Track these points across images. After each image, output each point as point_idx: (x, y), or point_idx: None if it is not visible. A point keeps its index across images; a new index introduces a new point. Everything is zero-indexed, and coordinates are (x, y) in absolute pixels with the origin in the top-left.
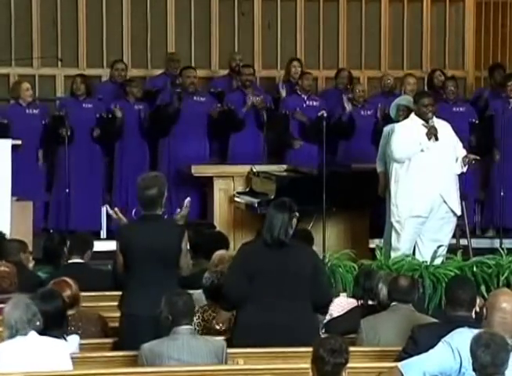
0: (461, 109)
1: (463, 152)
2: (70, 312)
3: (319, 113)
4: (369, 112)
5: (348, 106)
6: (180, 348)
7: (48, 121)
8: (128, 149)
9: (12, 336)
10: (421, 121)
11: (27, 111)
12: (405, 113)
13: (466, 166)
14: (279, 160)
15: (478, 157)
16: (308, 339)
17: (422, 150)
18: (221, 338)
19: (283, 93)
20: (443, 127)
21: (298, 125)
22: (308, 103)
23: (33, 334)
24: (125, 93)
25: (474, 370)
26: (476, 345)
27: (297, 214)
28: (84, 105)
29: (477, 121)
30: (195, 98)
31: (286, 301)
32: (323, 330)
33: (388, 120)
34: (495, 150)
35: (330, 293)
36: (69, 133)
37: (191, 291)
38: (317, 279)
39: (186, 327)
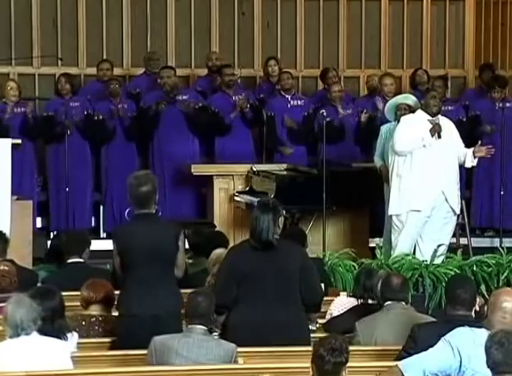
0: (450, 107)
1: (466, 150)
2: (98, 313)
3: (320, 112)
4: (348, 111)
5: (380, 106)
6: (190, 347)
7: (38, 120)
8: (115, 149)
9: (16, 335)
10: (427, 117)
11: (15, 110)
12: (406, 111)
13: (476, 159)
14: (268, 159)
15: (491, 146)
16: (297, 339)
17: (424, 146)
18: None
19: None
20: (448, 126)
21: (286, 129)
22: (292, 102)
23: (35, 333)
24: (109, 93)
25: (488, 367)
26: (490, 342)
27: (284, 212)
28: (71, 104)
29: (464, 119)
30: (178, 97)
31: (275, 301)
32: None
33: (373, 122)
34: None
35: (320, 292)
36: (68, 131)
37: None
38: (306, 279)
39: (200, 326)
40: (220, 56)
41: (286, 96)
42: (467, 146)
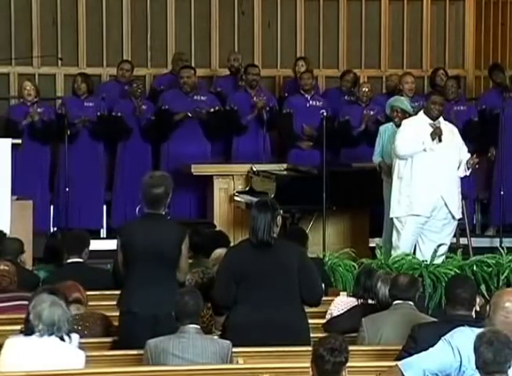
0: (462, 108)
1: (468, 156)
2: (76, 312)
3: (320, 113)
4: (371, 112)
5: (363, 126)
6: (185, 347)
7: (50, 119)
8: (131, 148)
9: (48, 334)
10: (429, 121)
11: (31, 110)
12: (399, 114)
13: (470, 169)
14: (282, 159)
15: (477, 160)
16: (297, 338)
17: (424, 150)
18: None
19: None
20: (450, 130)
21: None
22: (311, 102)
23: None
24: (130, 93)
25: (476, 367)
26: (479, 341)
27: (281, 211)
28: (85, 104)
29: (476, 119)
30: (195, 97)
31: (275, 300)
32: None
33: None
34: (491, 148)
35: (320, 291)
36: (69, 132)
37: None
38: (305, 278)
39: (192, 326)
40: (238, 56)
41: (306, 96)
42: (486, 145)
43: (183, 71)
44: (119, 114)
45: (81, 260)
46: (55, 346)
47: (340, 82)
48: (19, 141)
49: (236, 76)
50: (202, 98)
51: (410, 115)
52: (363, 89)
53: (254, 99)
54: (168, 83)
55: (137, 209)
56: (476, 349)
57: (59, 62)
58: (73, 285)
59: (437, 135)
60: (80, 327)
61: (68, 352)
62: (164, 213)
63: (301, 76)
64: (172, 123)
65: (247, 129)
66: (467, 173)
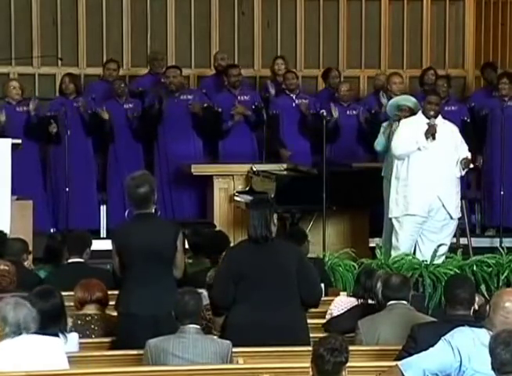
0: (453, 108)
1: (467, 154)
2: (95, 311)
3: (320, 112)
4: (354, 111)
5: (335, 113)
6: (185, 347)
7: (37, 120)
8: (121, 147)
9: (18, 334)
10: (426, 120)
11: (17, 109)
12: (406, 112)
13: (466, 169)
14: (272, 159)
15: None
16: (297, 338)
17: (419, 149)
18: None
19: (272, 92)
20: (448, 129)
21: (300, 118)
22: (297, 101)
23: (33, 333)
24: (115, 93)
25: (492, 368)
26: (494, 343)
27: (277, 211)
28: (74, 104)
29: (469, 120)
30: (182, 97)
31: (274, 301)
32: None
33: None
34: (478, 157)
35: (319, 291)
36: (67, 133)
37: None
38: (303, 277)
39: (192, 326)
40: (225, 56)
41: (291, 95)
42: (476, 145)
43: (169, 71)
44: (106, 117)
45: (81, 260)
46: (31, 341)
47: (327, 81)
48: (19, 141)
49: (222, 75)
50: (188, 97)
51: (415, 113)
52: (342, 88)
53: (240, 98)
54: (149, 84)
55: (126, 214)
56: (492, 351)
57: (59, 62)
58: (97, 284)
59: (430, 133)
60: (96, 327)
61: (46, 343)
62: (153, 211)
63: (285, 76)
64: (158, 114)
65: (228, 134)
66: (462, 173)
